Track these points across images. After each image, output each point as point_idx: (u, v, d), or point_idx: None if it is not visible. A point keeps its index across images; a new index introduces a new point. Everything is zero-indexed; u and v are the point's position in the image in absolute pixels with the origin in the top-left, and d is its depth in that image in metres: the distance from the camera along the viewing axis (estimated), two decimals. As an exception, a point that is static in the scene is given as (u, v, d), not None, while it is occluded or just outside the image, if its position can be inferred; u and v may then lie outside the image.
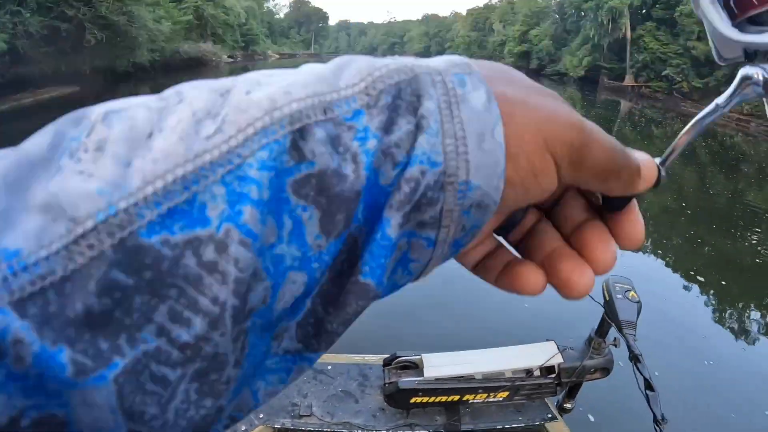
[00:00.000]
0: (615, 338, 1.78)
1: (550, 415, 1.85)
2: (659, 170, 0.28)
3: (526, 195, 0.23)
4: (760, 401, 3.51)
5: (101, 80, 19.50)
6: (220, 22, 37.40)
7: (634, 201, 0.28)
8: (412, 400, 1.79)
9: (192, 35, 33.40)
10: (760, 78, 0.30)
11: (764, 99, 0.32)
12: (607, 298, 1.65)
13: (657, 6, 34.56)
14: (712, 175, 11.57)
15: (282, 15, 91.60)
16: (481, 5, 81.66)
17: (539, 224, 0.29)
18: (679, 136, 0.30)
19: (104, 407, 0.16)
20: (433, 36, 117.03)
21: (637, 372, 1.42)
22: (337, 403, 1.88)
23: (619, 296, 1.62)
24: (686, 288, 5.34)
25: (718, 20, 0.33)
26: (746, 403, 3.46)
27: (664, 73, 29.29)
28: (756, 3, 0.30)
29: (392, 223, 0.20)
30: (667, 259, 6.26)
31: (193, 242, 0.16)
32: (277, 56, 62.30)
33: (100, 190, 0.16)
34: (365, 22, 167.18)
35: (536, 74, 51.13)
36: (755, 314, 5.06)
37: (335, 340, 0.22)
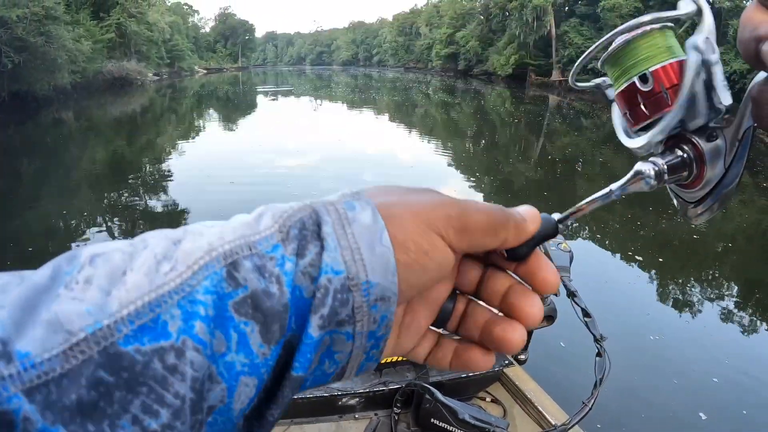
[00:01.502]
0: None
1: (507, 362, 2.08)
2: (557, 224, 0.33)
3: (426, 271, 0.29)
4: (703, 367, 3.71)
5: (21, 106, 18.60)
6: (143, 38, 36.30)
7: (538, 250, 0.33)
8: (383, 360, 1.98)
9: (115, 53, 32.27)
10: (652, 173, 0.34)
11: (666, 185, 0.36)
12: (543, 251, 1.90)
13: (580, 2, 36.27)
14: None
15: (208, 29, 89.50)
16: (407, 10, 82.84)
17: (470, 307, 0.34)
18: (577, 206, 0.35)
19: None
20: (361, 43, 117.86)
21: (575, 305, 1.67)
22: None
23: (553, 248, 1.86)
24: (627, 268, 5.56)
25: (619, 130, 0.39)
26: (691, 371, 3.67)
27: (590, 67, 30.72)
28: (645, 115, 0.35)
29: (313, 325, 0.25)
30: (608, 242, 6.59)
31: (159, 351, 0.22)
32: (204, 71, 60.74)
33: (89, 311, 0.21)
34: (292, 33, 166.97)
35: (464, 75, 52.02)
36: (695, 287, 5.36)
37: (273, 425, 0.28)
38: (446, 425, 1.76)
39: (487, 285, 0.34)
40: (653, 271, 5.55)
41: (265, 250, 0.25)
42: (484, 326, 0.33)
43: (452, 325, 0.34)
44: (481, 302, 0.34)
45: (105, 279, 0.22)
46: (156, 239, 0.25)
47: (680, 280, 5.51)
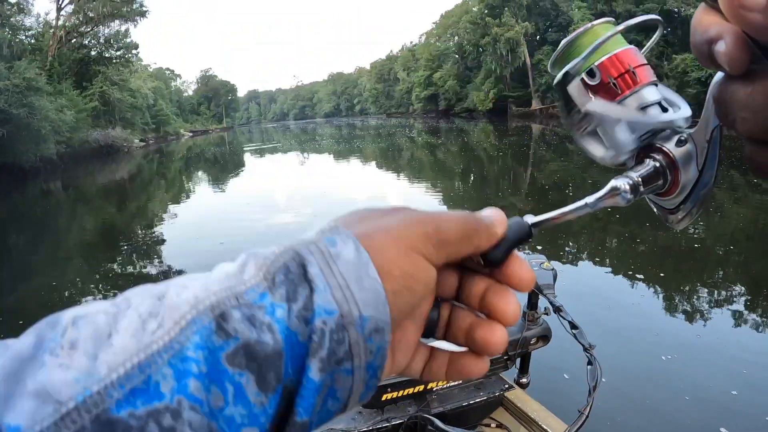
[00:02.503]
0: (545, 308, 2.05)
1: (507, 386, 2.07)
2: (530, 227, 0.34)
3: (414, 293, 0.30)
4: (721, 381, 3.58)
5: (8, 178, 18.67)
6: (127, 105, 36.73)
7: (514, 252, 0.33)
8: (384, 397, 1.96)
9: (100, 122, 32.60)
10: (627, 187, 0.34)
11: (645, 197, 0.36)
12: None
13: (550, 30, 37.26)
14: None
15: (191, 92, 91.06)
16: (384, 57, 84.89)
17: (453, 313, 0.35)
18: (552, 214, 0.35)
19: None
20: (341, 93, 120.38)
21: (562, 319, 1.70)
22: None
23: (535, 268, 1.90)
24: (630, 289, 5.42)
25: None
26: (709, 386, 3.55)
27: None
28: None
29: (313, 368, 0.26)
30: (608, 264, 6.44)
31: (154, 413, 0.21)
32: (190, 134, 61.11)
33: (77, 378, 0.21)
34: (273, 89, 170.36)
35: (446, 114, 52.53)
36: (702, 298, 5.18)
37: None
38: (451, 453, 1.74)
39: (465, 289, 0.35)
40: (657, 288, 5.44)
41: (253, 300, 0.26)
42: (467, 330, 0.34)
43: (440, 333, 0.35)
44: (463, 306, 0.35)
45: (91, 342, 0.22)
46: (139, 297, 0.25)
47: (686, 293, 5.39)
